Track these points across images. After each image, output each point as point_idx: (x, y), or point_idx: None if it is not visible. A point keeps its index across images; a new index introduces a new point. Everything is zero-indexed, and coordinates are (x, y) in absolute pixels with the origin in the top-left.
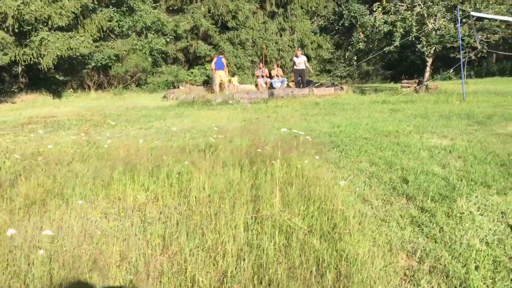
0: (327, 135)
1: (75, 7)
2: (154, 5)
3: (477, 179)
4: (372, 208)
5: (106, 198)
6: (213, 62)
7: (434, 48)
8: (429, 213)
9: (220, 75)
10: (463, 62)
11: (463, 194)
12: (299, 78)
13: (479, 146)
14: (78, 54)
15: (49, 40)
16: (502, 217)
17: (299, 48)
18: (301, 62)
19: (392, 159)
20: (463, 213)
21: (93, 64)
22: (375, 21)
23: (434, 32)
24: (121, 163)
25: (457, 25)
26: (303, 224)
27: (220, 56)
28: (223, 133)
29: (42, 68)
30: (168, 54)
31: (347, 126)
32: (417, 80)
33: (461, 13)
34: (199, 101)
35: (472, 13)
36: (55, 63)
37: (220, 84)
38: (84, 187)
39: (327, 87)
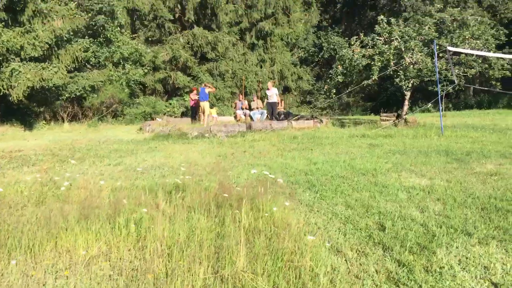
0: (303, 173)
1: (49, 37)
2: (132, 36)
3: (457, 226)
4: (345, 261)
5: (55, 249)
6: (193, 93)
7: (412, 82)
8: (406, 267)
9: (204, 106)
10: (440, 96)
11: (443, 244)
12: (272, 110)
13: (459, 187)
14: (51, 85)
15: (20, 71)
16: (485, 272)
17: (270, 80)
18: (272, 94)
19: (369, 201)
20: (443, 267)
21: (67, 95)
22: (353, 55)
23: (411, 66)
24: (77, 207)
25: (434, 60)
26: (268, 284)
27: (204, 87)
28: (195, 171)
29: (13, 99)
30: (146, 85)
31: (324, 163)
32: (396, 114)
33: (437, 47)
34: (175, 134)
35: (449, 48)
36: (26, 94)
37: (199, 116)
38: (32, 236)
39: (306, 119)
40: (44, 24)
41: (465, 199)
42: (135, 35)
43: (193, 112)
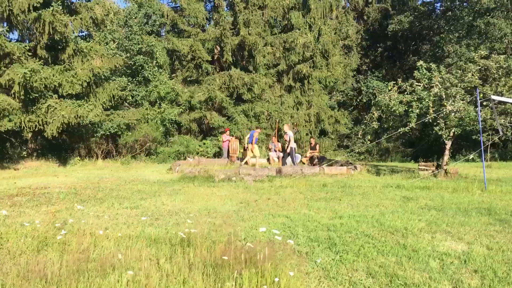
0: (325, 228)
1: (87, 76)
2: (171, 76)
3: None
4: None
5: None
6: (226, 134)
7: (453, 131)
8: None
9: (253, 149)
10: (486, 146)
11: None
12: (284, 155)
13: (500, 256)
14: (88, 122)
15: (55, 108)
16: None
17: (286, 123)
18: (287, 138)
19: (394, 269)
20: None
21: (102, 132)
22: (389, 101)
23: (452, 114)
24: (72, 258)
25: (477, 108)
26: None
27: (254, 130)
28: (211, 219)
29: (47, 135)
30: (181, 124)
31: (350, 217)
32: (435, 163)
33: (481, 96)
34: (201, 177)
35: (493, 97)
36: (60, 130)
37: (231, 157)
38: None
39: (341, 165)
40: (84, 62)
41: (507, 273)
42: (174, 75)
43: (227, 153)
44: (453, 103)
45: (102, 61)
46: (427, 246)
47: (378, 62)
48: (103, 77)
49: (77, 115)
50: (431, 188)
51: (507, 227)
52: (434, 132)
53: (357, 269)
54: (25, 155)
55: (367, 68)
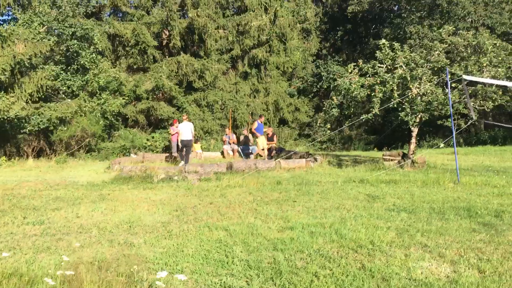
0: (271, 246)
1: (8, 63)
2: (114, 63)
3: None
4: None
5: None
6: (174, 126)
7: (420, 116)
8: None
9: (262, 142)
10: (451, 133)
11: None
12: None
13: (497, 285)
14: (13, 116)
15: None
16: None
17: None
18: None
19: None
20: None
21: (30, 128)
22: (350, 84)
23: (419, 98)
24: None
25: (447, 91)
26: None
27: (257, 120)
28: (131, 236)
29: None
30: (127, 117)
31: (303, 228)
32: (401, 152)
33: (450, 76)
34: (138, 177)
35: (465, 77)
36: None
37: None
38: None
39: (300, 157)
40: (3, 48)
41: None
42: (117, 62)
43: (176, 148)
44: (419, 85)
45: (25, 46)
46: (401, 270)
47: (338, 46)
48: (28, 65)
49: None
50: (398, 182)
51: (495, 235)
52: (399, 118)
53: None
54: None
55: (327, 53)
